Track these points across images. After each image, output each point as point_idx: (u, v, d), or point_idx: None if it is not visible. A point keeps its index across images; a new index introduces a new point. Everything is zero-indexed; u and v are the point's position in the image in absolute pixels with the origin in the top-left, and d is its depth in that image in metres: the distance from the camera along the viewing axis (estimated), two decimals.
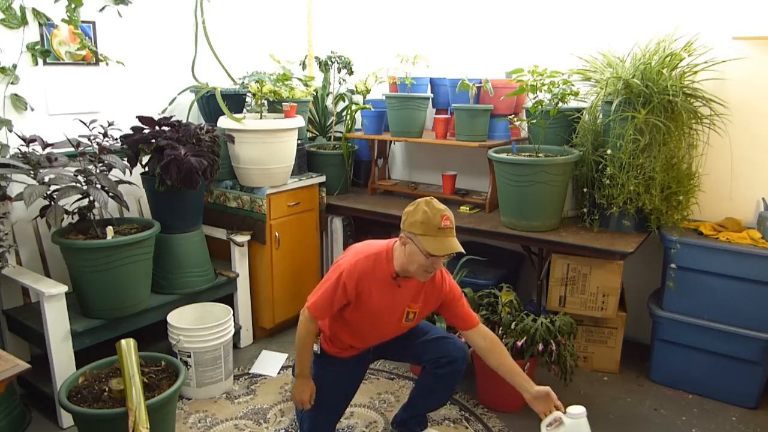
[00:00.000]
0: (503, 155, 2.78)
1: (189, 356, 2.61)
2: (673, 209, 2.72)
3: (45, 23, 2.72)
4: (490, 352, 2.16)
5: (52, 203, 2.39)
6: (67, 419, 2.43)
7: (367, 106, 3.46)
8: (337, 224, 3.48)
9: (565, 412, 1.98)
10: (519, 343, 2.46)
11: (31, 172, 2.40)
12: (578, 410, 1.93)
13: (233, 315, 2.85)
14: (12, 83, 2.65)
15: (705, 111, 2.70)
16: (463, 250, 1.99)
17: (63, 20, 2.78)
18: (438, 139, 3.20)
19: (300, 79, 3.57)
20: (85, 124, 2.58)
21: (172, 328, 2.63)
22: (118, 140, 2.68)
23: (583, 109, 2.88)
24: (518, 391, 2.10)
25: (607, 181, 2.68)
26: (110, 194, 2.46)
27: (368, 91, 3.50)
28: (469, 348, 2.32)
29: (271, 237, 3.09)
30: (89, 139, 2.56)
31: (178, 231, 2.80)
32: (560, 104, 2.77)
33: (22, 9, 2.64)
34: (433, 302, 2.18)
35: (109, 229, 2.49)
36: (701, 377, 2.71)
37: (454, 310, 2.19)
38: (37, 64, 2.73)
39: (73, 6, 2.79)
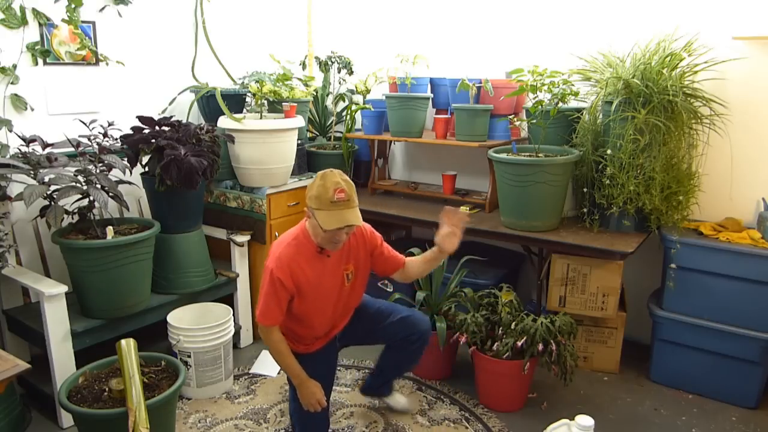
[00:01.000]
0: (503, 155, 2.78)
1: (189, 356, 2.61)
2: (673, 209, 2.72)
3: (45, 23, 2.72)
4: (417, 273, 2.32)
5: (52, 203, 2.39)
6: (67, 419, 2.43)
7: (367, 106, 3.46)
8: None
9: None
10: (519, 343, 2.46)
11: (31, 172, 2.40)
12: (587, 422, 1.86)
13: (233, 315, 2.85)
14: (12, 83, 2.65)
15: (705, 111, 2.70)
16: (359, 223, 2.06)
17: (63, 20, 2.78)
18: (438, 139, 3.20)
19: (300, 79, 3.57)
20: (85, 124, 2.58)
21: (172, 328, 2.63)
22: (118, 140, 2.68)
23: (583, 109, 2.88)
24: (436, 260, 2.28)
25: (607, 181, 2.68)
26: (110, 194, 2.46)
27: (368, 91, 3.50)
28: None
29: (271, 237, 3.09)
30: (89, 139, 2.56)
31: (178, 231, 2.80)
32: (560, 104, 2.77)
33: (22, 9, 2.64)
34: (363, 255, 2.26)
35: (109, 229, 2.49)
36: (701, 377, 2.71)
37: (381, 254, 2.29)
38: (37, 64, 2.73)
39: (73, 6, 2.79)
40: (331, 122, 3.84)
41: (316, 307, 2.19)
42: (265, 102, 3.24)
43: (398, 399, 2.60)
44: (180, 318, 2.70)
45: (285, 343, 2.17)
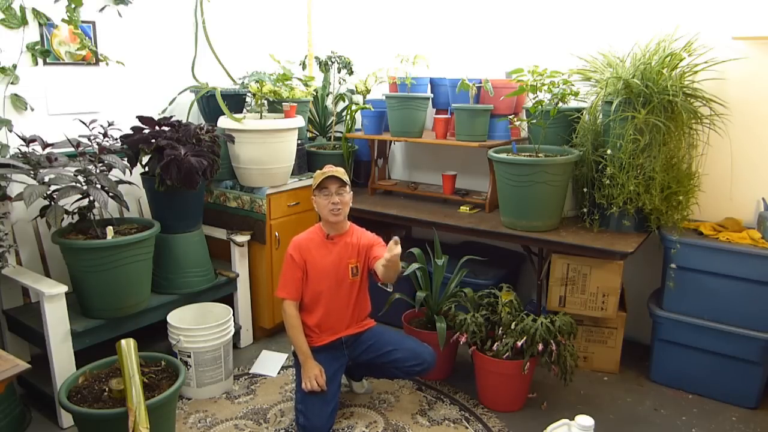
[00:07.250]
0: (503, 155, 2.78)
1: (189, 356, 2.61)
2: (673, 209, 2.72)
3: (45, 23, 2.72)
4: (381, 271, 2.45)
5: (52, 203, 2.39)
6: (67, 419, 2.43)
7: (367, 106, 3.46)
8: None
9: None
10: (519, 343, 2.46)
11: (31, 172, 2.39)
12: (587, 422, 1.87)
13: (233, 315, 2.85)
14: (12, 83, 2.65)
15: (705, 111, 2.70)
16: (338, 173, 2.44)
17: (63, 20, 2.78)
18: (438, 139, 3.20)
19: (300, 79, 3.57)
20: (85, 124, 2.58)
21: (172, 328, 2.63)
22: (118, 140, 2.68)
23: (583, 109, 2.88)
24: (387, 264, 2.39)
25: (607, 181, 2.68)
26: (110, 194, 2.46)
27: (368, 91, 3.50)
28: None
29: (271, 237, 3.09)
30: (89, 139, 2.56)
31: (178, 231, 2.80)
32: (560, 104, 2.77)
33: (22, 9, 2.64)
34: (363, 251, 2.55)
35: (109, 229, 2.49)
36: (701, 377, 2.71)
37: (376, 250, 2.53)
38: (37, 64, 2.73)
39: (73, 6, 2.79)
40: (331, 122, 3.84)
41: (321, 286, 2.47)
42: (265, 102, 3.24)
43: (363, 383, 2.75)
44: (180, 318, 2.70)
45: (299, 319, 2.47)
